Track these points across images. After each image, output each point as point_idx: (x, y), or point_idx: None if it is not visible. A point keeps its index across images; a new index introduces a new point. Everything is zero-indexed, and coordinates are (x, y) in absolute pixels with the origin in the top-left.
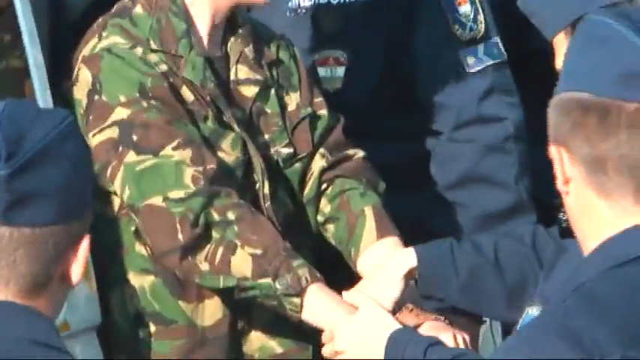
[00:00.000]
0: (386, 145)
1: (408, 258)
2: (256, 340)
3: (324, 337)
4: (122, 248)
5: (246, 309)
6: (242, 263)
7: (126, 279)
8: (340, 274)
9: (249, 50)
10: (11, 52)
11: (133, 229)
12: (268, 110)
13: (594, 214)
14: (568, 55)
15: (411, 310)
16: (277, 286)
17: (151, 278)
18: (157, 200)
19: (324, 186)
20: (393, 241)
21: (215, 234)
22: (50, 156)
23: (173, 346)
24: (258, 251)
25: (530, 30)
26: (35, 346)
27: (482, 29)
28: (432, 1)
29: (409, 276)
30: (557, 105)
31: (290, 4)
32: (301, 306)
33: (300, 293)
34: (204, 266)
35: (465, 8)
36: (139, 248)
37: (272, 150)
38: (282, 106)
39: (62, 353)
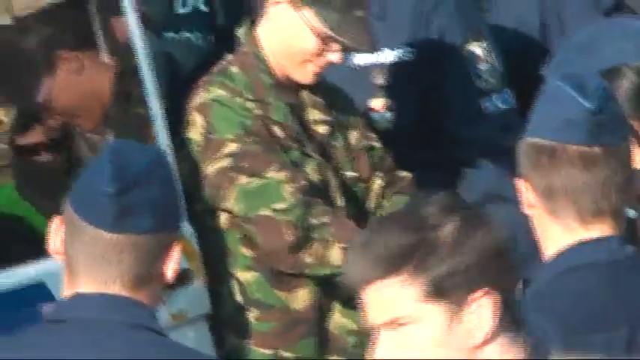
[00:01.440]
0: (422, 171)
1: None
2: (336, 319)
3: None
4: (230, 251)
5: (328, 295)
6: (337, 255)
7: (233, 275)
8: None
9: (318, 97)
10: (139, 102)
11: (238, 236)
12: (337, 144)
13: (549, 232)
14: (532, 111)
15: None
16: None
17: (253, 273)
18: (265, 211)
19: (383, 201)
20: None
21: (314, 234)
22: (148, 179)
23: (272, 326)
24: (349, 244)
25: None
26: (140, 329)
27: (497, 83)
28: (458, 60)
29: None
30: (520, 148)
31: (348, 62)
32: None
33: None
34: (309, 259)
35: (483, 65)
36: (244, 250)
37: (341, 174)
38: (346, 141)
39: (161, 335)
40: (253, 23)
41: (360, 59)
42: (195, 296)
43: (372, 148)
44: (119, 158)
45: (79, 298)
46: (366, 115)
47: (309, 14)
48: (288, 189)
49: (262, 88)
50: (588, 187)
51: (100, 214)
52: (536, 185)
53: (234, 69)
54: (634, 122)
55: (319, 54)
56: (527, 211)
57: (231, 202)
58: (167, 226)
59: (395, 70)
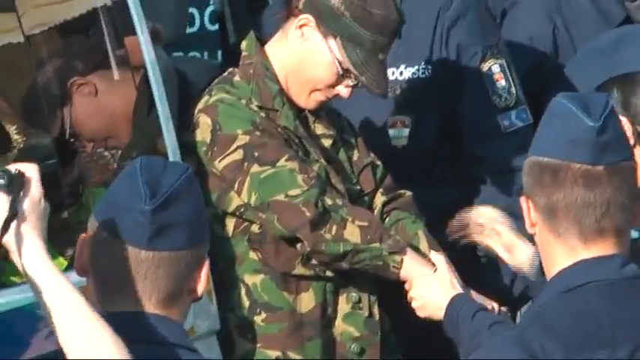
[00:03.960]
0: (440, 188)
1: None
2: (340, 325)
3: (407, 286)
4: (238, 256)
5: (332, 301)
6: (354, 233)
7: (241, 279)
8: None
9: (322, 114)
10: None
11: (246, 240)
12: (339, 158)
13: (551, 251)
14: (538, 128)
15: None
16: (383, 246)
17: (261, 276)
18: (280, 197)
19: (384, 216)
20: (441, 256)
21: (331, 214)
22: (181, 196)
23: (279, 328)
24: (365, 223)
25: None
26: (178, 348)
27: (514, 99)
28: (476, 77)
29: None
30: (525, 167)
31: None
32: (402, 262)
33: (402, 251)
34: (328, 236)
35: (501, 83)
36: (252, 254)
37: (345, 187)
38: (349, 156)
39: (197, 353)
40: (258, 38)
41: None
42: (205, 310)
43: (374, 165)
44: (150, 175)
45: (112, 317)
46: (384, 131)
47: (334, 45)
48: (300, 177)
49: (268, 95)
50: (591, 206)
51: (136, 231)
52: (539, 204)
53: (237, 78)
54: None
55: (331, 86)
56: (530, 230)
57: (246, 192)
58: (199, 242)
59: (413, 87)
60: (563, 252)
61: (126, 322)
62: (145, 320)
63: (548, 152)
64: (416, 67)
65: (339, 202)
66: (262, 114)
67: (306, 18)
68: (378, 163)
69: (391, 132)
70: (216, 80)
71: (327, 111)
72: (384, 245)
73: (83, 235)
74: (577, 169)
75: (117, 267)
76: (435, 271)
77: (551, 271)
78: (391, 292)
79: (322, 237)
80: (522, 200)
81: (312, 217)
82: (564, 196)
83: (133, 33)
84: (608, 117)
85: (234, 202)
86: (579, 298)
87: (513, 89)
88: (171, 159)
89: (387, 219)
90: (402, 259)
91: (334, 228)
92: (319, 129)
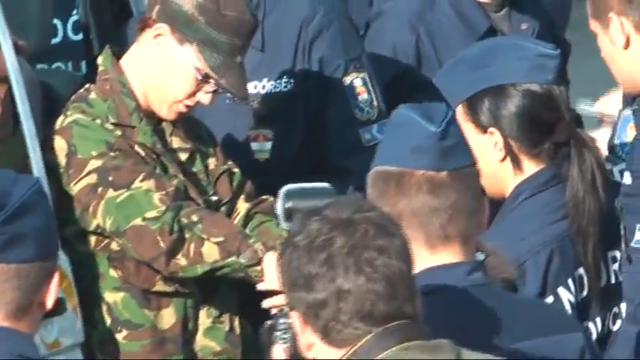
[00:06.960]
0: None
1: None
2: (200, 340)
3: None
4: (99, 273)
5: (193, 316)
6: (211, 251)
7: (103, 297)
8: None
9: (179, 125)
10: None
11: (106, 258)
12: (195, 170)
13: None
14: (381, 140)
15: None
16: (241, 260)
17: (121, 294)
18: (138, 221)
19: (249, 221)
20: None
21: (186, 234)
22: (30, 208)
23: (142, 344)
24: (221, 239)
25: None
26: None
27: (376, 113)
28: (338, 91)
29: None
30: (369, 179)
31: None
32: (262, 272)
33: (259, 262)
34: (183, 261)
35: (364, 97)
36: (112, 272)
37: (202, 199)
38: (206, 166)
39: None
40: (114, 53)
41: None
42: (70, 325)
43: (231, 173)
44: (0, 187)
45: None
46: (246, 145)
47: (191, 51)
48: (156, 197)
49: (125, 111)
50: (436, 212)
51: None
52: None
53: (93, 96)
54: (514, 142)
55: (192, 94)
56: None
57: (100, 217)
58: (49, 254)
59: (275, 100)
60: None
61: None
62: None
63: (391, 161)
64: (278, 81)
65: (195, 217)
66: (118, 132)
67: (161, 27)
68: (235, 170)
69: (253, 145)
70: (72, 97)
71: (186, 120)
72: (241, 259)
73: None
74: (421, 176)
75: None
76: None
77: None
78: (255, 304)
79: (178, 264)
80: None
81: (167, 248)
82: (409, 202)
83: None
84: (449, 123)
85: (95, 221)
86: (424, 304)
87: (375, 103)
88: (35, 175)
89: (250, 223)
90: (262, 269)
91: (191, 249)
92: (176, 142)
